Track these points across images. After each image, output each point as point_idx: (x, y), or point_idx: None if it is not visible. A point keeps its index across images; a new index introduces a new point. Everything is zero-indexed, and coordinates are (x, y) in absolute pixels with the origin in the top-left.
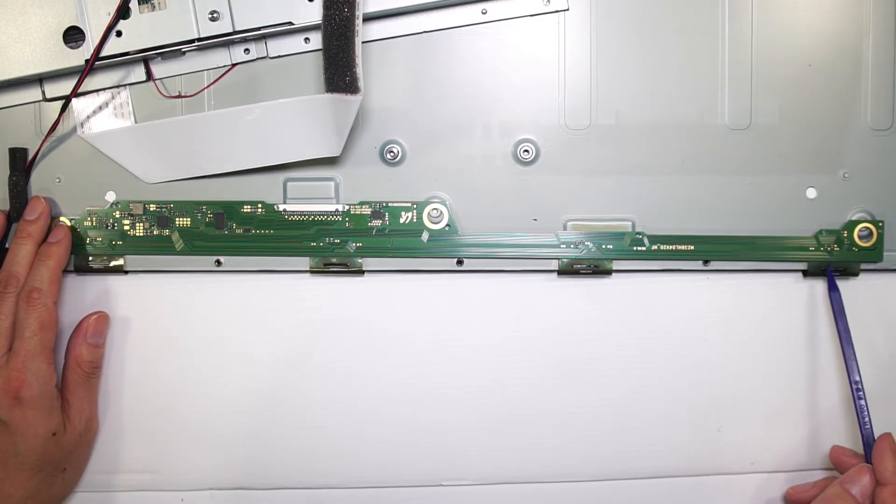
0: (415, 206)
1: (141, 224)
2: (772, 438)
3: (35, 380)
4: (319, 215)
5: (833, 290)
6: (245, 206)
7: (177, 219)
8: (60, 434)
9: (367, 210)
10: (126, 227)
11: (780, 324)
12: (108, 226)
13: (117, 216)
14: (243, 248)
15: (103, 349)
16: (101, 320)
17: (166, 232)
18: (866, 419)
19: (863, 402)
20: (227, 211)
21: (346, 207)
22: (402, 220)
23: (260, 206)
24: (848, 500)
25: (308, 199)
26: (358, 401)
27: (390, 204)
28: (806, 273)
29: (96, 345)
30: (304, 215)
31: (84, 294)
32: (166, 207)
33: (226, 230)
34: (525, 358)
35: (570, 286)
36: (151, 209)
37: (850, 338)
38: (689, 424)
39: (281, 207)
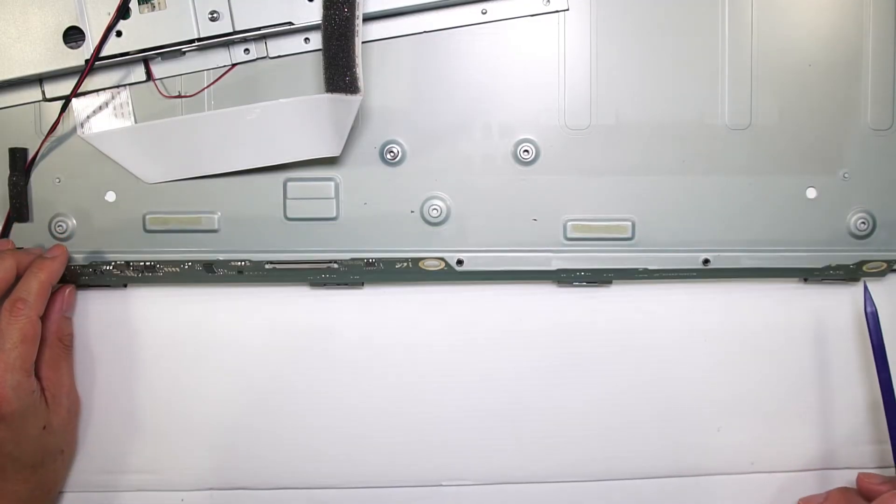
0: (409, 262)
1: (128, 272)
2: (772, 438)
3: (14, 393)
4: (312, 263)
5: (869, 306)
6: (232, 262)
7: (164, 269)
8: (49, 423)
9: (359, 263)
10: (116, 275)
11: (780, 326)
12: (97, 273)
13: (105, 269)
14: (239, 280)
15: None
16: (73, 293)
17: (160, 274)
18: None
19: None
20: (216, 264)
21: (338, 264)
22: (397, 267)
23: (246, 262)
24: None
25: (308, 198)
26: (358, 401)
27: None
28: (807, 278)
29: (70, 317)
30: (297, 264)
31: (84, 297)
32: (149, 263)
33: (217, 273)
34: (525, 359)
35: (570, 290)
36: (135, 266)
37: (886, 357)
38: (690, 424)
39: (269, 266)
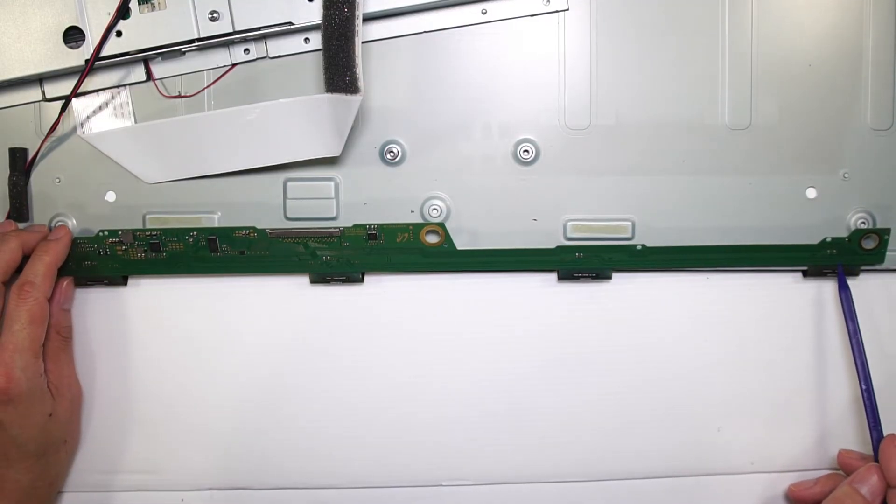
0: (411, 227)
1: (133, 250)
2: (772, 438)
3: (24, 374)
4: (315, 229)
5: (843, 288)
6: (237, 232)
7: (169, 243)
8: (55, 411)
9: (361, 232)
10: (120, 253)
11: (781, 323)
12: (101, 252)
13: (108, 244)
14: (240, 268)
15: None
16: (70, 285)
17: (163, 255)
18: (876, 420)
19: (873, 402)
20: (220, 235)
21: (342, 229)
22: (398, 240)
23: (251, 231)
24: (857, 500)
25: (308, 198)
26: (358, 401)
27: (385, 225)
28: (806, 273)
29: (69, 309)
30: (299, 233)
31: (84, 296)
32: (155, 234)
33: (220, 253)
34: (525, 358)
35: (570, 285)
36: (140, 236)
37: (861, 338)
38: (689, 424)
39: (273, 233)
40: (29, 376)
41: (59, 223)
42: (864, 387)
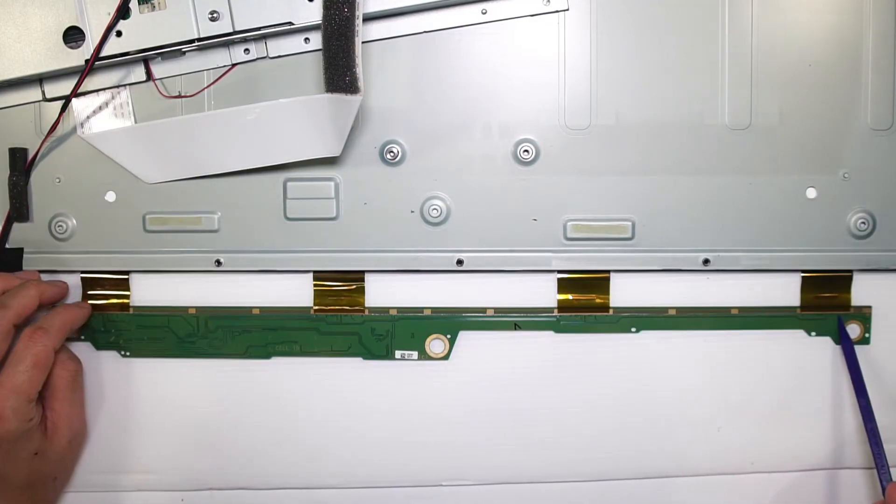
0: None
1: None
2: (772, 438)
3: (14, 415)
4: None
5: (845, 339)
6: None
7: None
8: (43, 451)
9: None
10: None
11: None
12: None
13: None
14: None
15: None
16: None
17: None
18: (884, 466)
19: (879, 445)
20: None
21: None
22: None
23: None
24: None
25: (308, 198)
26: (358, 401)
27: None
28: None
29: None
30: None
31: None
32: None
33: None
34: (525, 358)
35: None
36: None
37: (865, 388)
38: (689, 424)
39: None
40: (18, 418)
41: (59, 225)
42: (870, 435)
